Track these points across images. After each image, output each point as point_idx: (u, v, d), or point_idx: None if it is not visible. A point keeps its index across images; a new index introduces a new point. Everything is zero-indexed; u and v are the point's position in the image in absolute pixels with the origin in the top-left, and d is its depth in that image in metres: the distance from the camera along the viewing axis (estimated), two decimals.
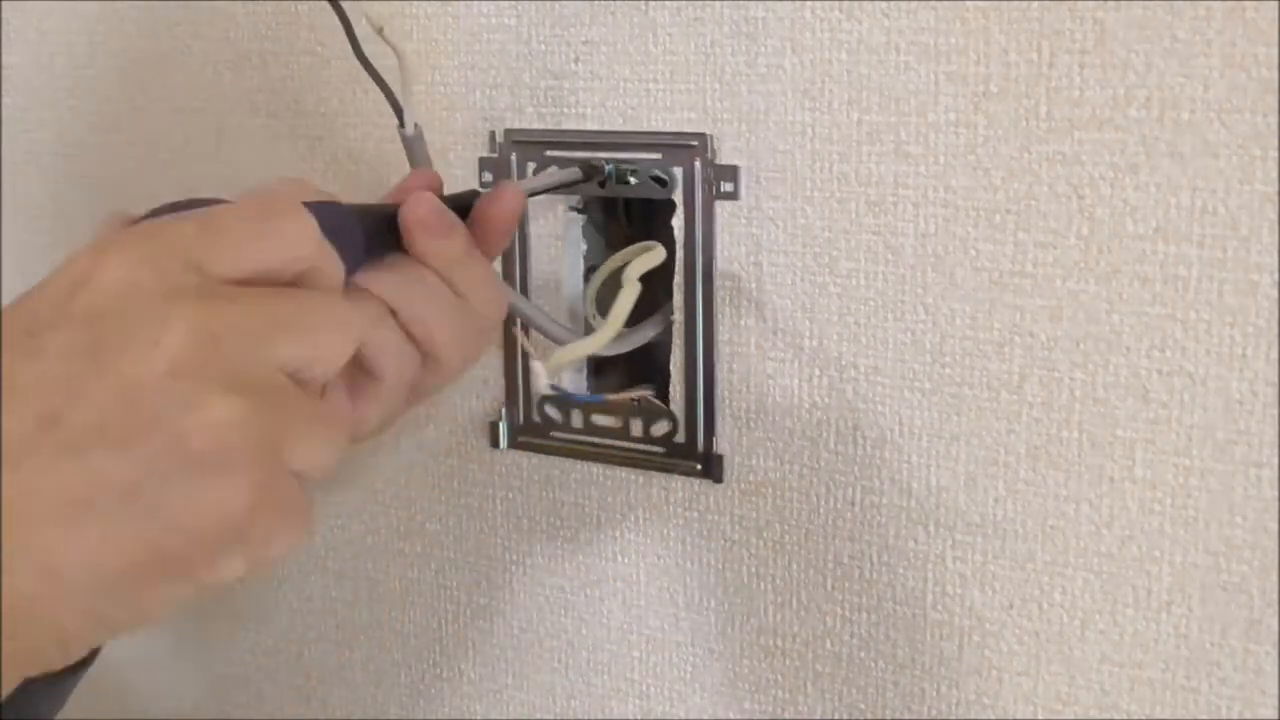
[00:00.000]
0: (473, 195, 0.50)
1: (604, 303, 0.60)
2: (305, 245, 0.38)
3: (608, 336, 0.56)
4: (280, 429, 0.36)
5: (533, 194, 0.56)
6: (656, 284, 0.60)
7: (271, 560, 0.37)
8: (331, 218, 0.41)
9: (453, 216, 0.47)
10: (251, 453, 0.35)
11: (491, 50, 0.61)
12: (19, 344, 0.35)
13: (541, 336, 0.59)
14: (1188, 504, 0.51)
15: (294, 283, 0.38)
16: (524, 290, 0.62)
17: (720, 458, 0.59)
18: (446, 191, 0.50)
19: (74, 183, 0.76)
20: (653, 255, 0.57)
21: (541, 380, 0.51)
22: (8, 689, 0.33)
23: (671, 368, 0.59)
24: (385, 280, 0.45)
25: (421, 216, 0.45)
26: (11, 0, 0.75)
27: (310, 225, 0.38)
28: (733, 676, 0.62)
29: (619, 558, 0.63)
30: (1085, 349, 0.52)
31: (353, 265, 0.42)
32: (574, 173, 0.57)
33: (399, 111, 0.51)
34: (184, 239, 0.36)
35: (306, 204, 0.40)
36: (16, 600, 0.33)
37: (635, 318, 0.63)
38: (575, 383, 0.64)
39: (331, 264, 0.40)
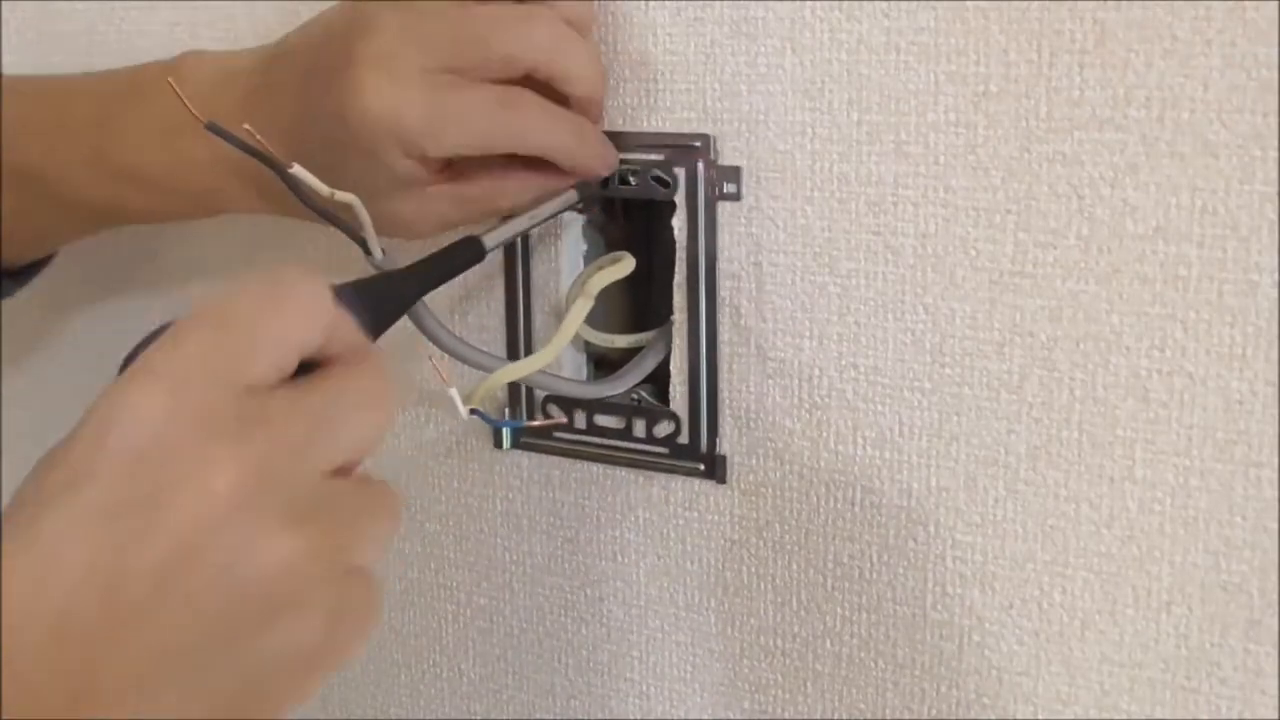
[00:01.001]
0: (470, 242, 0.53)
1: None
2: (321, 315, 0.37)
3: (553, 352, 0.56)
4: (342, 541, 0.34)
5: (532, 229, 0.56)
6: (656, 285, 0.60)
7: (349, 662, 0.35)
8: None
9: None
10: (320, 579, 0.34)
11: None
12: (61, 500, 0.32)
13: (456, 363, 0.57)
14: (1188, 504, 0.51)
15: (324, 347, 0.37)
16: (525, 291, 0.62)
17: (723, 458, 0.59)
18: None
19: None
20: (618, 267, 0.56)
21: (459, 409, 0.47)
22: None
23: (673, 369, 0.59)
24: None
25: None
26: (11, 0, 0.75)
27: (319, 296, 0.37)
28: (733, 676, 0.62)
29: (619, 558, 0.63)
30: (1085, 349, 0.52)
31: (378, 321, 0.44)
32: (571, 197, 0.56)
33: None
34: (204, 356, 0.34)
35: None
36: None
37: (635, 316, 0.64)
38: (576, 385, 0.64)
39: (349, 322, 0.38)
